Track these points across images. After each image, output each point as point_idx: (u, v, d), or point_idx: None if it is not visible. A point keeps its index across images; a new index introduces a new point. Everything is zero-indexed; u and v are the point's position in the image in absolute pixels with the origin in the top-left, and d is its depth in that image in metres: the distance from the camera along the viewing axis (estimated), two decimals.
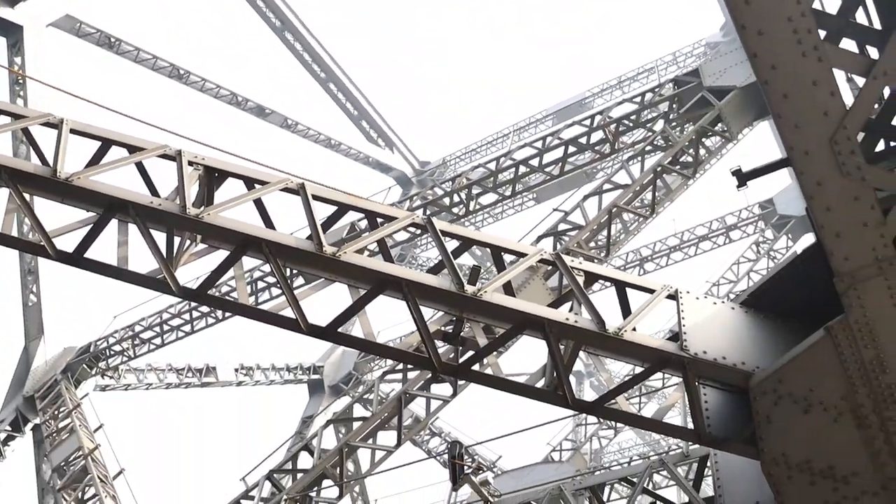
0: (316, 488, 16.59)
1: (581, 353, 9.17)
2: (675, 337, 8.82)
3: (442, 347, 9.87)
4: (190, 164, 10.11)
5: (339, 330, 9.49)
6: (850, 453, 8.70)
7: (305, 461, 17.34)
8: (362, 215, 10.45)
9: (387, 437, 17.16)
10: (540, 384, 9.17)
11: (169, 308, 29.21)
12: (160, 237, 9.91)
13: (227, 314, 28.54)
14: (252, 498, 16.55)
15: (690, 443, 10.83)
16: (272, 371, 32.30)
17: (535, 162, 23.46)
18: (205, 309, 28.85)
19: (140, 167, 10.23)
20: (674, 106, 20.75)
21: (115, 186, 9.77)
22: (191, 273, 10.26)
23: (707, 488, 10.89)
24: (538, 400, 9.21)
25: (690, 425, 8.99)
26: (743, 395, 8.73)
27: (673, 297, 9.32)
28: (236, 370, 31.29)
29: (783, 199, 30.68)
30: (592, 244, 17.89)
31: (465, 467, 11.57)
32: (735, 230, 32.00)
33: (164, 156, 10.30)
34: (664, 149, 19.32)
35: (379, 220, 10.12)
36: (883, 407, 8.34)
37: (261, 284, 28.09)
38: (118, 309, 30.07)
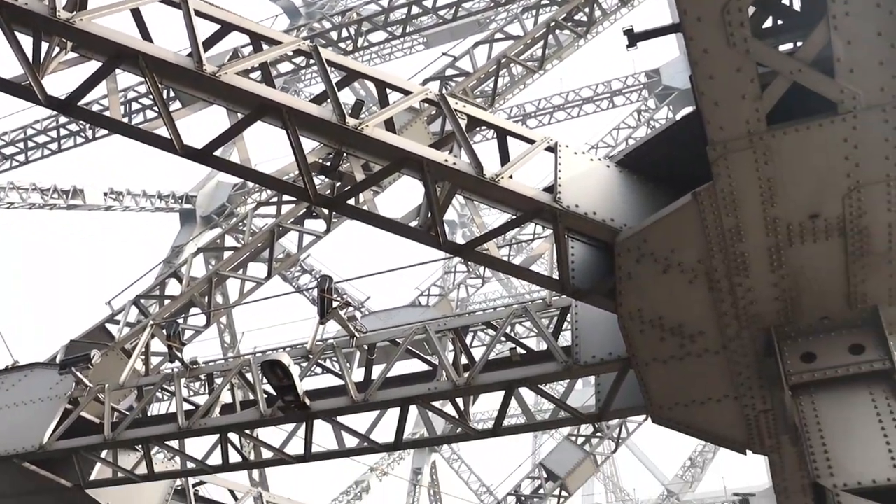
0: (183, 315, 16.53)
1: (455, 203, 9.27)
2: (550, 189, 8.98)
3: (319, 184, 9.78)
4: None
5: (216, 154, 9.28)
6: (700, 314, 9.21)
7: (173, 288, 17.13)
8: (247, 41, 10.04)
9: (257, 270, 17.16)
10: (413, 224, 9.25)
11: (34, 123, 27.81)
12: (26, 42, 9.30)
13: (98, 134, 27.43)
14: (117, 322, 16.33)
15: (554, 294, 11.21)
16: (143, 198, 31.44)
17: (428, 3, 22.96)
18: (74, 126, 27.60)
19: None
20: None
21: None
22: (61, 88, 9.70)
23: (564, 341, 11.34)
24: (411, 238, 9.30)
25: (556, 276, 9.29)
26: (608, 251, 9.04)
27: (552, 149, 9.41)
28: (105, 194, 30.30)
29: (669, 70, 31.13)
30: (478, 93, 17.83)
31: (334, 302, 11.68)
32: (619, 96, 32.42)
33: None
34: (560, 5, 19.16)
35: (264, 45, 9.76)
36: (734, 273, 8.81)
37: (135, 106, 26.99)
38: None
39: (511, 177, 8.94)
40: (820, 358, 9.10)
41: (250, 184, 30.68)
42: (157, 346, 15.43)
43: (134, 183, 31.29)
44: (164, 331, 14.37)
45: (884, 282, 8.83)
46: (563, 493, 22.88)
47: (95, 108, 23.38)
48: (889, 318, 9.01)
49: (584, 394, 18.07)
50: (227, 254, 17.11)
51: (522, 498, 23.14)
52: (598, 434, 22.68)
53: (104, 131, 26.78)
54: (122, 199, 30.70)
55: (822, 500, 8.57)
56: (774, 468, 10.86)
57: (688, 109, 18.48)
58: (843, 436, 8.60)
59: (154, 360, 15.56)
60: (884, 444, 8.38)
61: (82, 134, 27.67)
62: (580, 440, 22.74)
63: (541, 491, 22.78)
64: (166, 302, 16.70)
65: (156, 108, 9.16)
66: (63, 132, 27.73)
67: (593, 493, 46.24)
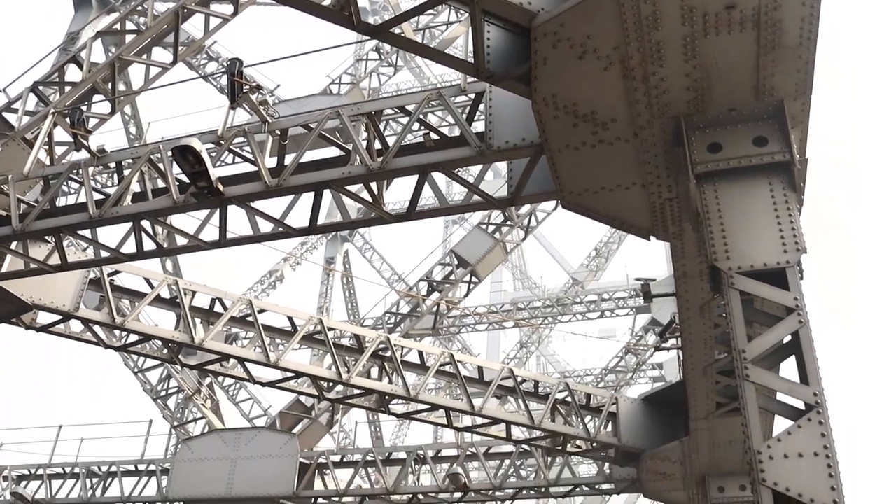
0: (86, 103, 15.88)
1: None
2: None
3: None
4: None
5: None
6: (613, 101, 9.33)
7: (73, 75, 16.34)
8: None
9: (161, 57, 16.46)
10: (327, 3, 8.91)
11: None
12: None
13: None
14: (15, 111, 15.62)
15: (469, 80, 11.09)
16: None
17: None
18: None
19: None
20: None
21: None
22: None
23: (478, 129, 11.29)
24: (323, 18, 8.98)
25: (471, 60, 9.18)
26: (524, 36, 8.93)
27: None
28: None
29: None
30: None
31: (245, 86, 11.32)
32: None
33: None
34: None
35: None
36: (649, 61, 8.87)
37: None
38: None
39: None
40: (725, 148, 9.41)
41: None
42: (61, 135, 14.92)
43: None
44: (68, 118, 13.78)
45: (791, 76, 9.03)
46: (474, 280, 23.65)
47: None
48: (793, 111, 9.30)
49: (494, 184, 18.36)
50: (128, 38, 16.26)
51: (434, 283, 23.77)
52: (508, 223, 23.23)
53: None
54: None
55: (717, 282, 9.12)
56: (675, 253, 11.41)
57: None
58: (741, 223, 9.05)
59: (59, 151, 15.08)
60: (777, 231, 8.90)
61: None
62: (490, 228, 23.29)
63: (451, 277, 23.42)
64: (67, 89, 15.98)
65: None
66: None
67: (501, 281, 48.02)
